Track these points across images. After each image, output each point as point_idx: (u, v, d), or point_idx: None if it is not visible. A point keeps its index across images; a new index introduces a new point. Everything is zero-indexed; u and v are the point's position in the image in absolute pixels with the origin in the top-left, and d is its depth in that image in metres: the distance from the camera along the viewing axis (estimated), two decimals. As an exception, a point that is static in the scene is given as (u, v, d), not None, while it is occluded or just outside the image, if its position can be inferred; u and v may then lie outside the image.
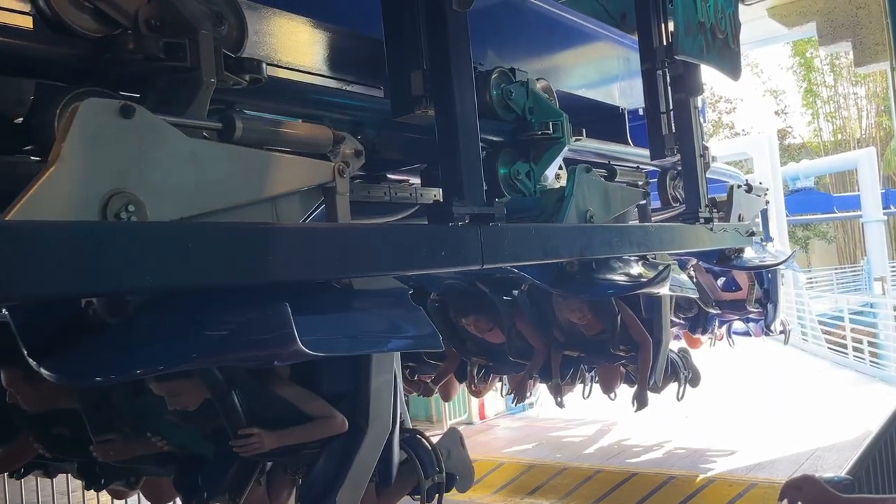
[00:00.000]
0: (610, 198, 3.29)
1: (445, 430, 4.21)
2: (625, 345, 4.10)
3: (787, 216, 23.20)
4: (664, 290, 3.60)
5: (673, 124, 3.95)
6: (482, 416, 9.92)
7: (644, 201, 3.68)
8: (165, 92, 1.87)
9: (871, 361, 12.51)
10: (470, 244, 2.26)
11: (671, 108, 3.94)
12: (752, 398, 10.69)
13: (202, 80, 1.82)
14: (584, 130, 3.63)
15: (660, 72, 3.87)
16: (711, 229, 4.02)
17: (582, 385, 4.78)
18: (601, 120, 4.61)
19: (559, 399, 4.51)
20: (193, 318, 1.86)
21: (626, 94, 4.90)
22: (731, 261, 5.11)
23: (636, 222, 3.70)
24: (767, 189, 6.50)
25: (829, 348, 14.53)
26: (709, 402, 10.59)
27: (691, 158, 3.97)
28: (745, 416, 9.77)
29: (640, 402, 4.32)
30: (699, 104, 4.15)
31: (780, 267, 5.35)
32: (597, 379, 4.94)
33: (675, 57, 3.67)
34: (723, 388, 11.03)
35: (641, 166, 4.65)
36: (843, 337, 13.82)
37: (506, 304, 4.18)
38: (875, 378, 11.75)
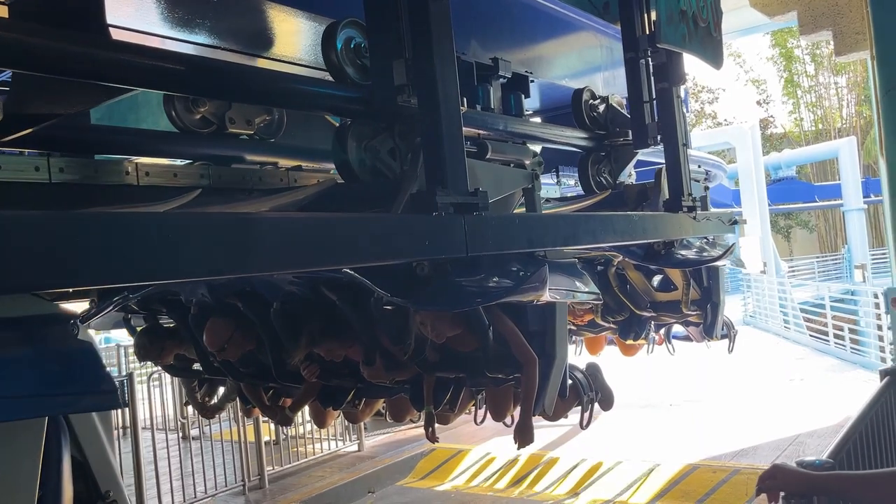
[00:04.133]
0: (476, 180, 2.61)
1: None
2: (503, 365, 3.20)
3: (769, 205, 23.41)
4: (543, 295, 2.81)
5: (656, 113, 3.96)
6: (468, 407, 9.92)
7: (531, 185, 3.04)
8: None
9: (851, 348, 12.67)
10: (454, 234, 2.26)
11: (654, 97, 3.94)
12: (735, 385, 10.81)
13: None
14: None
15: (643, 61, 3.88)
16: (695, 218, 4.03)
17: (475, 409, 3.83)
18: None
19: (431, 430, 3.55)
20: None
21: (610, 83, 4.90)
22: (661, 256, 4.22)
23: (523, 211, 3.06)
24: (706, 173, 5.81)
25: (811, 335, 14.71)
26: (692, 390, 10.69)
27: (674, 147, 3.98)
28: (728, 403, 9.88)
29: (523, 436, 3.23)
30: (682, 93, 4.15)
31: (718, 263, 4.47)
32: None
33: (658, 45, 3.67)
34: (705, 376, 11.15)
35: (569, 148, 4.27)
36: (825, 324, 13.98)
37: (363, 315, 3.36)
38: (856, 364, 11.92)
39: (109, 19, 2.17)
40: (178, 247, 1.50)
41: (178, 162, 3.03)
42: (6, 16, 2.21)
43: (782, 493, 2.10)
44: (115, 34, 2.20)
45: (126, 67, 2.05)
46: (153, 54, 2.21)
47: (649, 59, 3.87)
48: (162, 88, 2.48)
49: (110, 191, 2.51)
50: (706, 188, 4.42)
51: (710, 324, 4.76)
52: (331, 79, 2.68)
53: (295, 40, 2.94)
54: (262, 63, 2.86)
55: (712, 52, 3.90)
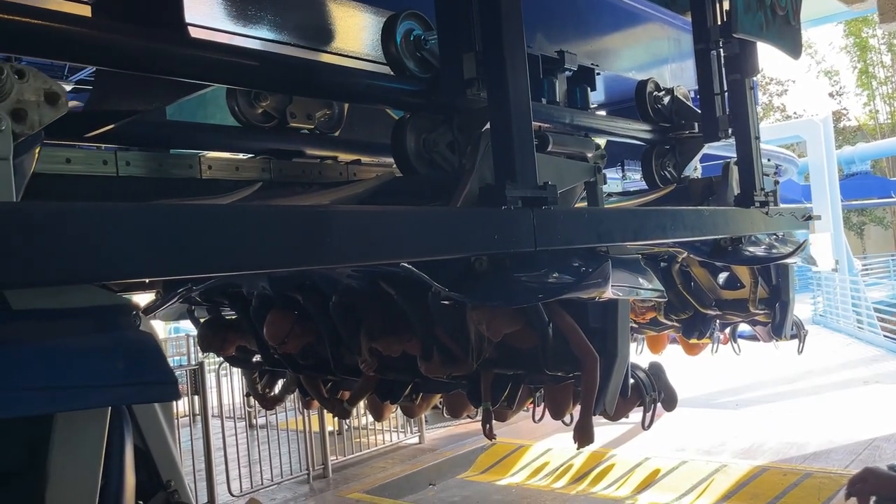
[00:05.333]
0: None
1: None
2: (562, 362, 3.13)
3: (841, 201, 22.57)
4: (606, 292, 2.67)
5: (727, 105, 3.86)
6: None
7: (593, 179, 2.91)
8: None
9: (930, 350, 12.15)
10: (523, 228, 2.24)
11: (725, 88, 3.84)
12: (805, 387, 10.48)
13: None
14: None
15: (714, 52, 3.78)
16: (767, 213, 3.91)
17: (533, 406, 3.76)
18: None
19: (488, 427, 3.52)
20: None
21: (677, 75, 4.80)
22: (728, 253, 4.07)
23: (584, 205, 2.98)
24: (776, 167, 5.63)
25: (885, 336, 14.15)
26: (759, 391, 10.41)
27: (746, 141, 3.87)
28: (798, 404, 9.58)
29: (583, 436, 3.12)
30: (753, 84, 4.03)
31: (788, 260, 4.31)
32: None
33: (734, 35, 3.56)
34: (773, 377, 10.84)
35: (632, 141, 4.18)
36: (901, 324, 13.45)
37: (421, 309, 3.29)
38: (935, 367, 11.42)
39: (187, 17, 2.23)
40: (245, 239, 1.53)
41: (240, 156, 3.08)
42: (89, 15, 2.29)
43: (873, 497, 2.04)
44: (192, 32, 2.27)
45: (204, 64, 2.10)
46: (229, 51, 2.27)
47: (721, 49, 3.77)
48: (235, 84, 2.54)
49: (175, 184, 2.55)
50: (776, 183, 4.28)
51: (778, 323, 4.62)
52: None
53: (359, 35, 2.96)
54: (325, 58, 2.89)
55: (791, 42, 3.77)
